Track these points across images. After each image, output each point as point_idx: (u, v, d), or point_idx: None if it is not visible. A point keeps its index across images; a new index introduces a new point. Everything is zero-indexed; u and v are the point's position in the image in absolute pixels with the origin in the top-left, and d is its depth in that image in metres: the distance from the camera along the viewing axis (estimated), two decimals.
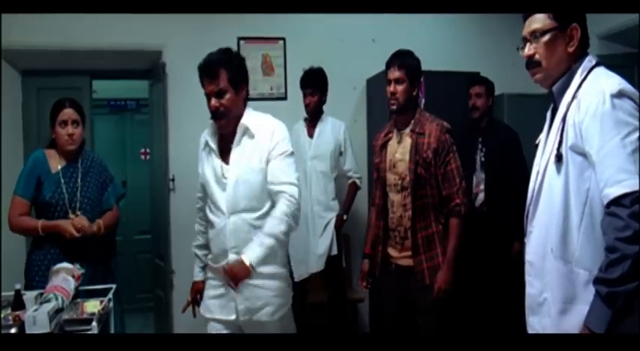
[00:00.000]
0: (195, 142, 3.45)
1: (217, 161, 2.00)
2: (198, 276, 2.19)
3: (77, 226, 2.28)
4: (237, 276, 1.85)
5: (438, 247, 2.26)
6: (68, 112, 2.40)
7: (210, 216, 2.02)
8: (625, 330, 1.25)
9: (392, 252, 2.36)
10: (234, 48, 3.56)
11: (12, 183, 3.40)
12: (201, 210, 2.17)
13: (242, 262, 1.85)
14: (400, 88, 2.28)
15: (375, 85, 3.69)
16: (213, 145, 2.03)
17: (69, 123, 2.39)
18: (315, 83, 3.20)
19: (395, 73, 2.29)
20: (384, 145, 2.40)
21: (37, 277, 2.32)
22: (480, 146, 3.21)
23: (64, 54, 3.45)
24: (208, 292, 2.06)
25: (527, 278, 1.51)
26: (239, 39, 3.63)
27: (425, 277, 2.25)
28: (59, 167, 2.40)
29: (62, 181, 2.38)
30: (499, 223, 3.00)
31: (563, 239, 1.37)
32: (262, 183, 1.95)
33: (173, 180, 3.50)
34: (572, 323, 1.33)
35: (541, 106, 1.79)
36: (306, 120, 3.31)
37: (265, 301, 1.95)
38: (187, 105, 3.49)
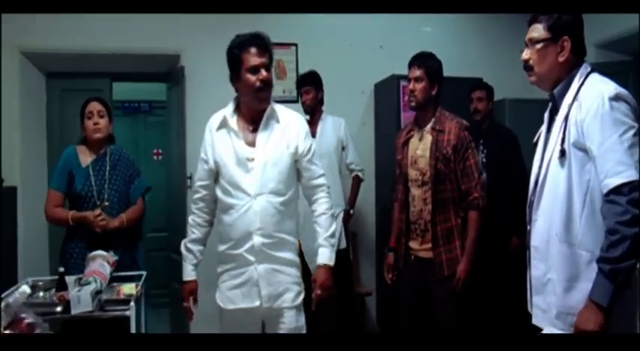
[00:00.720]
0: None
1: (240, 142, 1.96)
2: (191, 275, 2.10)
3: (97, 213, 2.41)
4: (326, 282, 2.00)
5: (457, 240, 2.38)
6: (94, 104, 2.58)
7: (229, 200, 1.96)
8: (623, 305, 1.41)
9: (412, 244, 2.48)
10: None
11: (37, 178, 3.58)
12: (201, 200, 2.08)
13: (322, 268, 2.02)
14: (419, 86, 2.42)
15: (383, 90, 3.86)
16: (234, 125, 1.98)
17: (94, 113, 2.55)
18: (308, 81, 3.39)
19: (415, 72, 2.44)
20: (406, 143, 2.53)
21: (69, 264, 2.46)
22: (481, 148, 3.36)
23: (87, 57, 3.60)
24: (228, 283, 2.01)
25: (533, 262, 1.65)
26: None
27: (444, 269, 2.36)
28: (89, 161, 2.56)
29: (92, 173, 2.53)
30: (499, 220, 3.15)
31: (566, 225, 1.53)
32: (289, 168, 1.97)
33: (190, 178, 3.64)
34: (577, 299, 1.48)
35: (540, 110, 1.94)
36: (308, 122, 3.46)
37: (286, 286, 1.97)
38: (204, 106, 3.64)
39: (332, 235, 2.05)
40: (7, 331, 1.21)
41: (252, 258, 1.94)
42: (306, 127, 2.06)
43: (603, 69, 3.00)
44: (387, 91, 3.76)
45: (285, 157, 1.96)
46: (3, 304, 1.22)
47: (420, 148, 2.46)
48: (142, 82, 4.23)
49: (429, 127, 2.46)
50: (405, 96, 3.56)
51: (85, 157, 2.57)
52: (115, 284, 2.19)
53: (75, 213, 2.47)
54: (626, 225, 1.37)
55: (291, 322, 1.99)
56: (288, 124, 2.00)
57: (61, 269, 2.03)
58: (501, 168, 3.25)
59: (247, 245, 1.93)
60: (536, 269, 1.63)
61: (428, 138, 2.45)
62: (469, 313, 2.49)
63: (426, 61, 2.46)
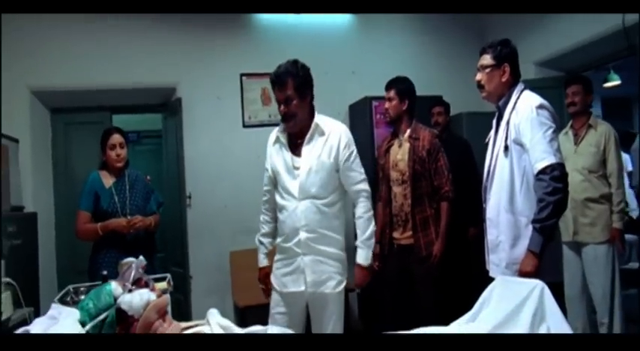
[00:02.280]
0: (206, 164, 4.04)
1: (288, 154, 2.30)
2: (264, 262, 2.46)
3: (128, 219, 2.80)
4: (361, 280, 2.34)
5: (432, 226, 2.90)
6: (116, 137, 2.96)
7: (282, 201, 2.31)
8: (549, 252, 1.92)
9: (395, 234, 2.98)
10: (238, 83, 4.23)
11: (45, 204, 3.90)
12: (266, 202, 2.46)
13: (358, 267, 2.35)
14: (390, 104, 2.97)
15: (357, 110, 4.35)
16: (284, 140, 2.32)
17: (117, 145, 2.94)
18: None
19: (388, 94, 2.98)
20: (387, 150, 3.05)
21: (99, 273, 2.80)
22: None
23: (88, 93, 3.97)
24: (281, 270, 2.34)
25: (488, 229, 2.16)
26: (241, 75, 4.22)
27: (422, 250, 2.87)
28: (111, 182, 2.94)
29: (114, 193, 2.91)
30: (458, 214, 3.62)
31: (510, 199, 2.05)
32: (330, 174, 2.25)
33: (190, 197, 4.01)
34: (520, 252, 1.99)
35: (491, 121, 2.44)
36: None
37: (328, 275, 2.27)
38: (200, 134, 4.09)
39: (368, 238, 2.33)
40: (133, 287, 1.60)
41: (299, 250, 2.27)
42: (347, 137, 2.30)
43: (541, 83, 3.62)
44: (360, 111, 4.26)
45: (326, 166, 2.25)
46: (134, 270, 1.61)
47: (400, 153, 2.99)
48: (140, 113, 4.59)
49: (406, 135, 2.99)
50: (377, 114, 4.09)
51: (108, 180, 2.95)
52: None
53: (103, 223, 2.82)
54: (549, 195, 1.90)
55: (332, 305, 2.29)
56: (330, 135, 2.27)
57: (104, 272, 2.38)
58: (458, 170, 3.73)
59: (295, 239, 2.27)
60: (491, 234, 2.14)
61: (406, 145, 2.97)
62: (442, 288, 2.97)
63: (396, 84, 3.00)
